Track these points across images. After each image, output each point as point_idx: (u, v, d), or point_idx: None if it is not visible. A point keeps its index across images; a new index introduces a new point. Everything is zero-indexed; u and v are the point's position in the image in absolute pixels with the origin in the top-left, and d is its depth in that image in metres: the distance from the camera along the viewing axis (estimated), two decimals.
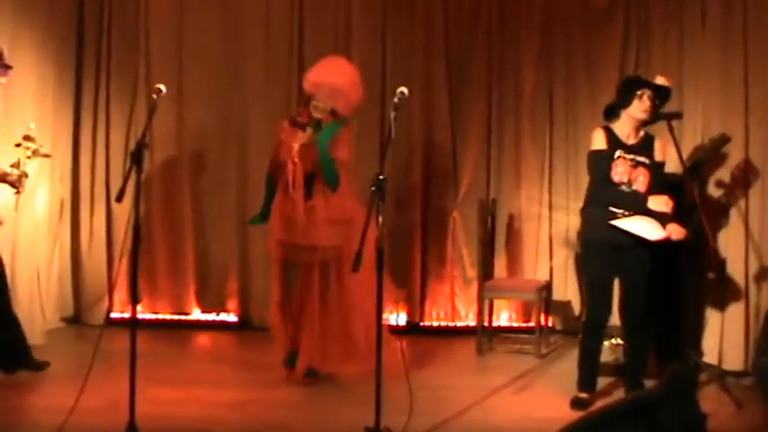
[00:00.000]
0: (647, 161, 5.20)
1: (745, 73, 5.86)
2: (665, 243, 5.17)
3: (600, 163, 5.25)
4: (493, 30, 7.28)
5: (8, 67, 5.66)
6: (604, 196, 5.25)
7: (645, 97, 5.20)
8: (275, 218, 5.60)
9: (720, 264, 5.85)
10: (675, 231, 5.13)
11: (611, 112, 5.34)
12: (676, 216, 5.20)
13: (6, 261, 6.28)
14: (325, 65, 5.69)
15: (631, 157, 5.20)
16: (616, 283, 5.38)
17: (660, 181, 5.22)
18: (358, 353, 5.55)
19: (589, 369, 5.37)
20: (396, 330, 6.42)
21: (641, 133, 5.29)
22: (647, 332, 5.43)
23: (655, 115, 5.22)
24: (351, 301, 5.55)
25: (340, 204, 5.52)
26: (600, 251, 5.28)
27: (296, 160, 5.46)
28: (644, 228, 5.13)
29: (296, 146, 5.49)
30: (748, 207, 5.83)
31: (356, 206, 5.50)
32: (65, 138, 7.15)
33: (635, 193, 5.16)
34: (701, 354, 5.88)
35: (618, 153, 5.22)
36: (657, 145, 5.25)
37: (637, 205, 5.14)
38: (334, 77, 5.56)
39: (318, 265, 5.51)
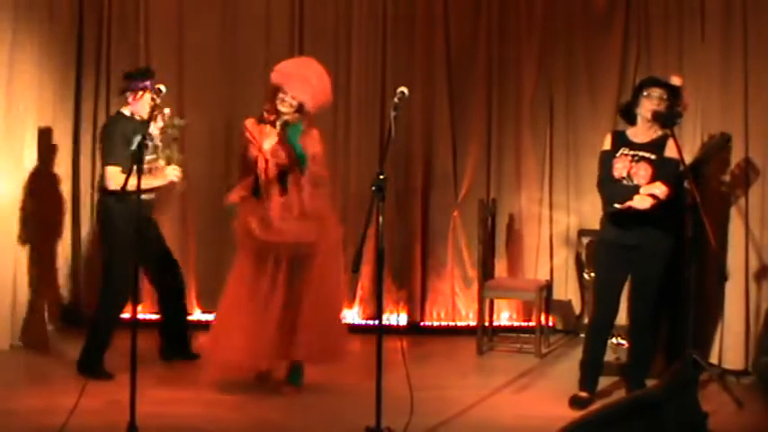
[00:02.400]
0: (651, 157, 5.17)
1: (745, 73, 5.86)
2: (675, 242, 5.20)
3: (604, 163, 5.28)
4: (493, 30, 7.28)
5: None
6: (608, 193, 5.26)
7: (653, 96, 5.19)
8: (248, 217, 5.41)
9: (721, 262, 5.86)
10: (639, 200, 5.08)
11: (628, 114, 5.34)
12: (676, 209, 5.18)
13: (9, 262, 6.32)
14: (297, 59, 5.62)
15: (634, 152, 5.20)
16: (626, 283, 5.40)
17: (667, 177, 5.14)
18: (316, 349, 5.44)
19: (592, 369, 5.37)
20: (395, 330, 6.44)
21: (658, 133, 5.26)
22: (653, 333, 5.44)
23: (667, 114, 5.17)
24: (315, 298, 5.41)
25: (313, 201, 5.42)
26: (609, 250, 5.31)
27: (267, 157, 5.37)
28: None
29: (267, 142, 5.40)
30: (748, 206, 5.84)
31: (327, 205, 5.55)
32: (65, 138, 7.14)
33: (634, 186, 5.15)
34: (706, 353, 5.88)
35: (620, 150, 5.22)
36: (670, 143, 5.16)
37: (632, 197, 5.13)
38: (305, 70, 5.46)
39: (287, 261, 5.36)
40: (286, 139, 5.39)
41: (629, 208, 5.08)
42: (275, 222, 5.34)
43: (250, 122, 5.50)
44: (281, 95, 5.37)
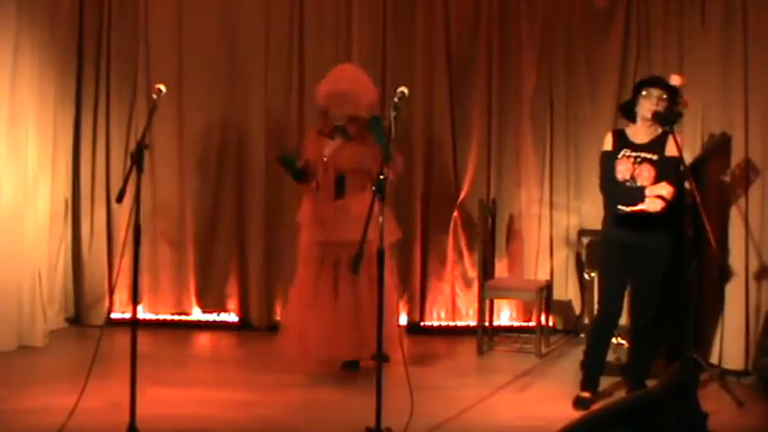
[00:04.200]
0: (653, 157, 5.16)
1: (745, 73, 5.86)
2: (676, 243, 5.21)
3: (605, 163, 5.26)
4: (493, 30, 7.28)
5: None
6: (610, 195, 5.26)
7: (652, 96, 5.18)
8: (308, 220, 5.82)
9: (722, 262, 5.85)
10: (651, 203, 5.07)
11: (629, 113, 5.33)
12: (676, 209, 5.17)
13: (14, 263, 6.31)
14: (329, 77, 5.86)
15: (636, 154, 5.19)
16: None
17: (670, 177, 5.11)
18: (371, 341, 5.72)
19: (594, 369, 5.37)
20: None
21: (658, 131, 5.25)
22: (654, 333, 5.44)
23: (667, 114, 5.16)
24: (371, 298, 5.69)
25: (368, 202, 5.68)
26: (612, 251, 5.30)
27: (328, 163, 5.71)
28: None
29: (327, 151, 5.74)
30: (748, 206, 5.84)
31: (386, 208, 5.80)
32: (66, 138, 7.15)
33: (639, 187, 5.14)
34: (706, 354, 5.88)
35: (623, 152, 5.21)
36: (670, 141, 5.13)
37: (637, 199, 5.12)
38: (338, 86, 5.74)
39: (343, 261, 5.71)
40: (373, 139, 5.73)
41: (642, 211, 5.08)
42: (330, 222, 5.71)
43: (312, 135, 5.94)
44: (330, 113, 5.77)
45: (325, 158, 5.73)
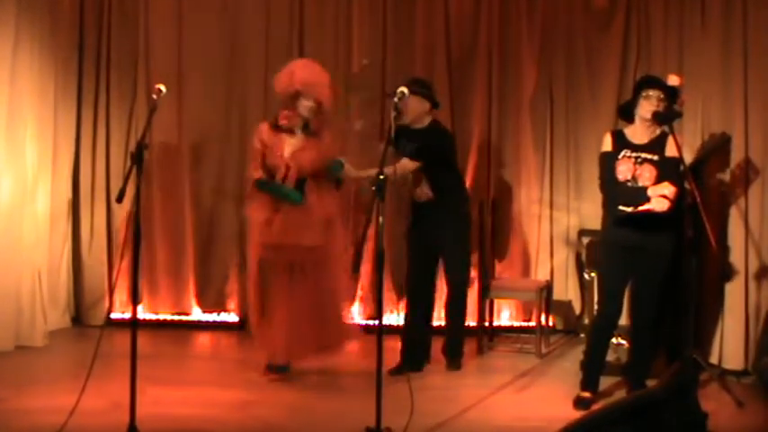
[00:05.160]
0: (654, 158, 5.16)
1: (745, 72, 5.86)
2: (676, 243, 5.21)
3: (605, 164, 5.25)
4: (493, 29, 7.28)
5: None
6: (611, 195, 5.25)
7: (651, 97, 5.18)
8: (260, 221, 5.65)
9: (722, 262, 5.85)
10: (657, 203, 5.06)
11: (627, 114, 5.33)
12: (676, 209, 5.17)
13: (13, 263, 6.30)
14: (305, 66, 5.77)
15: (636, 154, 5.19)
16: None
17: (671, 176, 5.11)
18: (325, 344, 5.76)
19: (594, 369, 5.36)
20: (395, 330, 6.43)
21: (657, 132, 5.26)
22: (654, 333, 5.44)
23: (666, 114, 5.16)
24: (322, 299, 5.69)
25: (330, 202, 5.68)
26: (612, 252, 5.30)
27: (290, 164, 5.55)
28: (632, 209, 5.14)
29: (288, 150, 5.59)
30: (748, 206, 5.84)
31: (338, 209, 5.78)
32: (67, 138, 7.14)
33: (640, 188, 5.13)
34: (706, 354, 5.87)
35: (623, 153, 5.21)
36: (670, 141, 5.13)
37: (639, 199, 5.12)
38: (321, 77, 5.67)
39: (299, 265, 5.61)
40: (331, 139, 5.66)
41: (648, 211, 5.07)
42: (287, 225, 5.53)
43: (265, 129, 5.69)
44: (304, 102, 5.58)
45: (289, 163, 5.57)
